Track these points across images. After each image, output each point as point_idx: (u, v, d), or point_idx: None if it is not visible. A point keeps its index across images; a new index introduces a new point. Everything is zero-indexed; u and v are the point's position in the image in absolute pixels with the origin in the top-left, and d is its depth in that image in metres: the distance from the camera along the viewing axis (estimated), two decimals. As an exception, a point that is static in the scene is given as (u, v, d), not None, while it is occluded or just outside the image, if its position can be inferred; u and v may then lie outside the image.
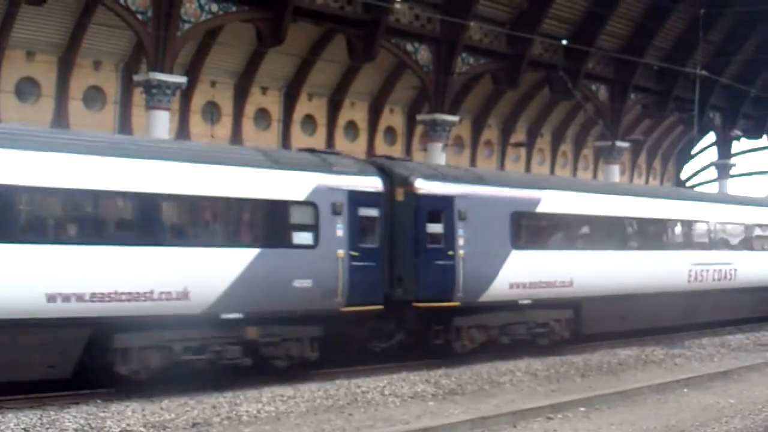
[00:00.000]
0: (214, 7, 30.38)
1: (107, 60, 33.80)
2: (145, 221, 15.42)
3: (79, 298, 14.29)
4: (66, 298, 14.16)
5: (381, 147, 42.11)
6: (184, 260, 15.50)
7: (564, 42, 39.68)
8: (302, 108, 39.59)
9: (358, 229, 17.87)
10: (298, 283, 16.81)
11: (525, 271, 20.85)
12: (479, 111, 45.84)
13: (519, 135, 48.12)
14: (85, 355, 14.77)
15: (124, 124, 33.61)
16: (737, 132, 47.72)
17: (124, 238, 15.16)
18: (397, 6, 34.77)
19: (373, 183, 18.48)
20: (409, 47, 35.92)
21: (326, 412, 14.46)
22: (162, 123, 29.49)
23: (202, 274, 15.61)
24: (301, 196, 17.13)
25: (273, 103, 38.81)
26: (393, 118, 43.22)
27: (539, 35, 38.64)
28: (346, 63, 37.64)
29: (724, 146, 53.80)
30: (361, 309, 17.92)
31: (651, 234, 25.66)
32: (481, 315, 20.32)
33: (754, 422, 15.21)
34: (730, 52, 47.21)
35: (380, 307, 18.32)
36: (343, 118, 41.11)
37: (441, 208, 19.34)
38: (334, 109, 40.64)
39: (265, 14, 31.52)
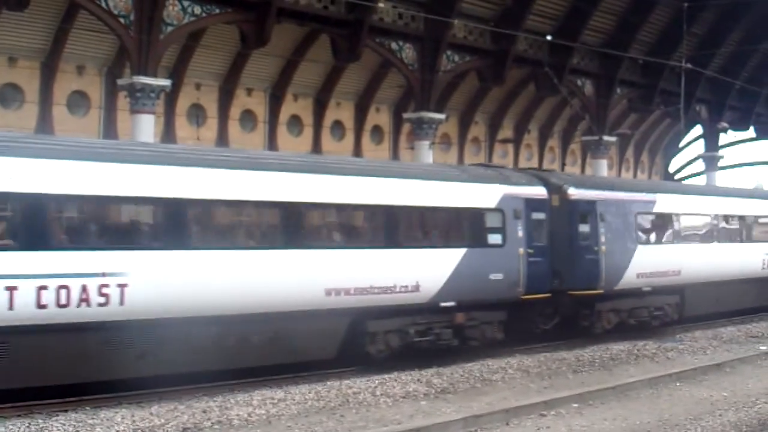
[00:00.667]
0: (197, 10, 30.23)
1: (90, 64, 33.64)
2: (390, 228, 19.04)
3: (346, 292, 17.68)
4: (338, 292, 17.58)
5: (367, 146, 42.07)
6: (416, 260, 19.14)
7: (548, 38, 39.64)
8: (288, 109, 39.48)
9: (531, 231, 21.46)
10: (493, 276, 20.46)
11: (647, 263, 24.41)
12: (465, 108, 45.81)
13: (506, 131, 48.14)
14: (344, 339, 18.18)
15: (109, 129, 33.46)
16: (724, 124, 47.71)
17: (377, 242, 18.79)
18: (381, 5, 34.64)
19: (540, 191, 22.17)
20: (394, 46, 35.83)
21: (317, 414, 14.36)
22: (147, 126, 29.31)
23: (428, 271, 19.24)
24: (492, 204, 20.83)
25: (258, 105, 38.69)
26: (379, 117, 43.15)
27: (523, 32, 38.58)
28: (331, 63, 37.57)
29: (711, 138, 53.85)
30: (534, 297, 21.55)
31: (736, 228, 29.33)
32: (616, 301, 23.98)
33: (747, 415, 15.20)
34: (714, 44, 47.25)
35: (548, 294, 21.95)
36: (329, 118, 41.01)
37: (587, 211, 23.06)
38: (320, 109, 40.55)
39: (249, 16, 31.37)
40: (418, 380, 17.29)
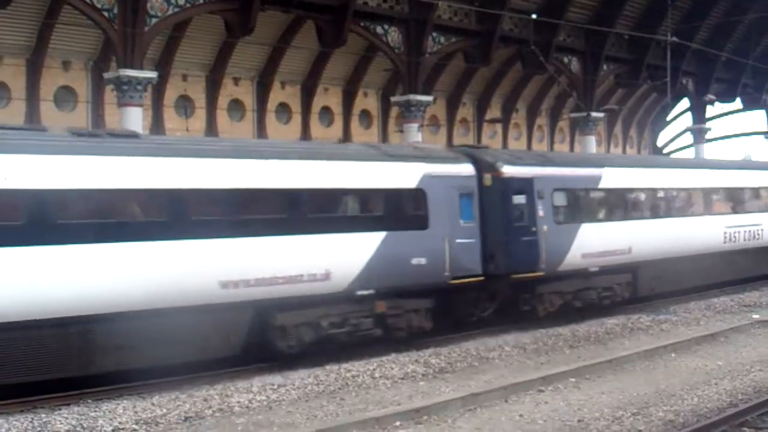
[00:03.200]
0: (181, 0, 30.12)
1: (76, 59, 33.54)
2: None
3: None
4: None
5: (357, 131, 42.05)
6: None
7: (533, 16, 39.60)
8: (276, 96, 39.42)
9: None
10: None
11: None
12: (453, 89, 45.79)
13: (494, 111, 48.11)
14: None
15: (98, 123, 33.36)
16: (711, 96, 47.73)
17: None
18: (365, -12, 34.59)
19: None
20: (379, 29, 35.77)
21: (317, 398, 14.46)
22: (135, 119, 29.22)
23: None
24: None
25: (246, 94, 38.63)
26: (367, 101, 43.12)
27: (508, 11, 38.53)
28: (317, 49, 37.48)
29: (698, 111, 53.89)
30: None
31: None
32: None
33: (742, 383, 15.36)
34: (699, 16, 47.22)
35: None
36: (317, 105, 40.97)
37: None
38: (307, 95, 40.49)
39: (233, 4, 31.28)
40: (416, 361, 17.40)
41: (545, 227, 21.62)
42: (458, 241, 19.65)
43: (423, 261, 18.82)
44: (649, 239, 25.08)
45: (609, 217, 24.37)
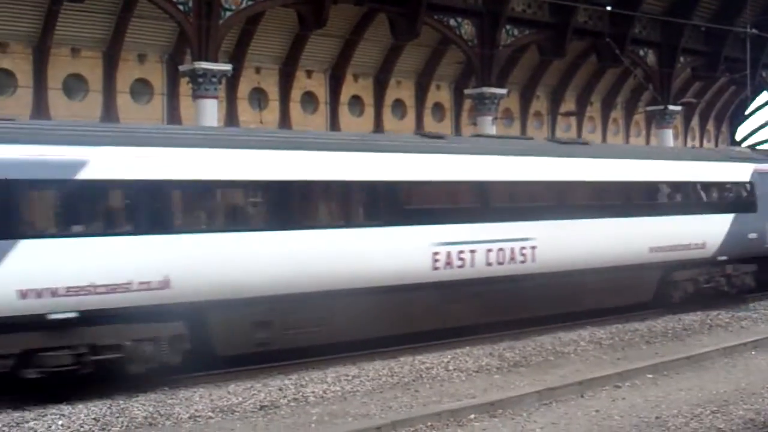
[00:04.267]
0: (254, -6, 30.43)
1: (151, 52, 33.97)
2: None
3: None
4: None
5: (429, 124, 41.97)
6: None
7: (608, 8, 39.13)
8: (348, 89, 39.52)
9: None
10: None
11: None
12: (527, 82, 45.46)
13: (568, 104, 47.64)
14: None
15: (173, 115, 33.80)
16: (791, 89, 46.93)
17: None
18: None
19: None
20: (452, 22, 35.67)
21: (392, 390, 14.41)
22: (210, 111, 29.61)
23: None
24: None
25: (319, 86, 38.79)
26: (440, 94, 43.01)
27: (583, 2, 38.15)
28: (390, 42, 37.51)
29: (778, 104, 52.91)
30: None
31: None
32: None
33: (827, 381, 14.95)
34: (779, 7, 46.29)
35: None
36: (390, 97, 40.98)
37: None
38: (380, 88, 40.52)
39: (306, -3, 31.52)
40: (491, 354, 17.25)
41: None
42: None
43: (755, 236, 24.99)
44: None
45: None
